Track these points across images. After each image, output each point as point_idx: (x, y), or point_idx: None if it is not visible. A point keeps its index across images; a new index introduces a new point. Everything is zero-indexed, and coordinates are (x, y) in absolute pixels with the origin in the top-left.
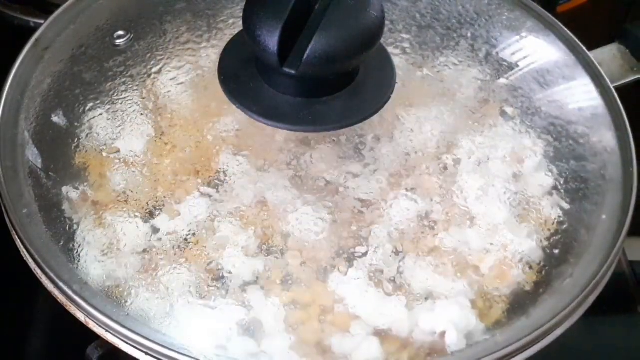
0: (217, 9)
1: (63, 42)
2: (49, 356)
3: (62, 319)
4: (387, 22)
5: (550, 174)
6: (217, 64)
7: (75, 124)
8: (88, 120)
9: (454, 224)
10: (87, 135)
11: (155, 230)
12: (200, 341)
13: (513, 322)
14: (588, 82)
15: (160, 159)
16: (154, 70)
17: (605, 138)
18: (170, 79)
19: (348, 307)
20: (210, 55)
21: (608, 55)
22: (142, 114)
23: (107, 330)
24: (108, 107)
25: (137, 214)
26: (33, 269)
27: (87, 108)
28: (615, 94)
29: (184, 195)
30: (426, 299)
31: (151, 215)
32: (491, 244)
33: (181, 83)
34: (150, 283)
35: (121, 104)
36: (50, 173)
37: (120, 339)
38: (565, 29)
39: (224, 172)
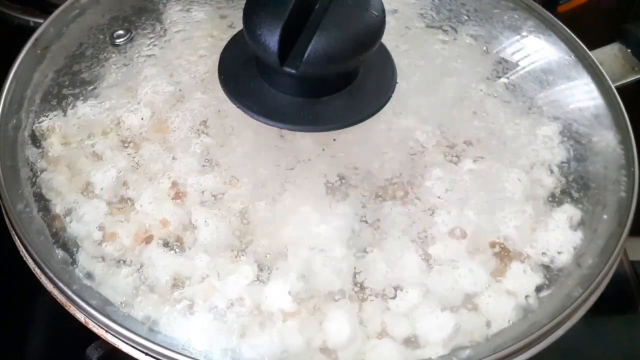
0: (218, 8)
1: (63, 42)
2: (49, 356)
3: (62, 319)
4: (387, 22)
5: (551, 173)
6: (217, 63)
7: (75, 123)
8: (88, 120)
9: (455, 224)
10: (87, 136)
11: (155, 231)
12: (200, 341)
13: (514, 323)
14: (589, 81)
15: (160, 158)
16: (153, 70)
17: (606, 138)
18: (170, 79)
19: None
20: (210, 55)
21: (609, 55)
22: (142, 114)
23: (107, 331)
24: (108, 106)
25: (137, 214)
26: (33, 269)
27: (87, 108)
28: (617, 94)
29: (183, 194)
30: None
31: (151, 215)
32: (491, 244)
33: (181, 82)
34: (150, 283)
35: (121, 104)
36: (49, 172)
37: (120, 340)
38: (566, 29)
39: (224, 171)
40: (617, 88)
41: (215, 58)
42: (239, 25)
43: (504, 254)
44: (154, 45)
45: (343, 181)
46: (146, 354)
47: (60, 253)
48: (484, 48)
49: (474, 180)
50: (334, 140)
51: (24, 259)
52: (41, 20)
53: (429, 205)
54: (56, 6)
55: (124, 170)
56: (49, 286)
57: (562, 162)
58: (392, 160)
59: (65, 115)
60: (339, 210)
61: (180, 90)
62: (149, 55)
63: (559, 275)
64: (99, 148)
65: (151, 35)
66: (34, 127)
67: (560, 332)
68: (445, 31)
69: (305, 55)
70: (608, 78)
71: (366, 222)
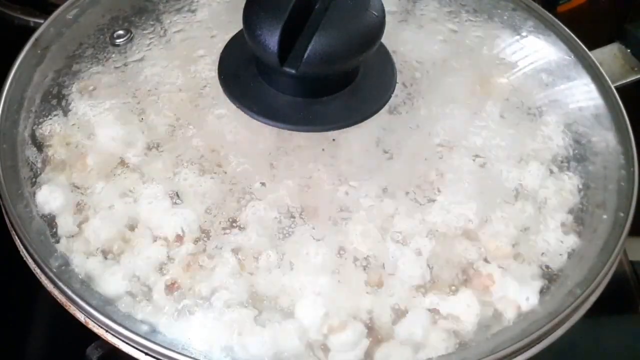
0: (218, 8)
1: (63, 42)
2: (49, 356)
3: (62, 319)
4: (387, 23)
5: (550, 173)
6: (217, 63)
7: (75, 123)
8: (88, 120)
9: (454, 225)
10: (87, 136)
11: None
12: (200, 341)
13: (514, 323)
14: (589, 81)
15: (160, 159)
16: (153, 69)
17: (606, 138)
18: (170, 78)
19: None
20: (210, 55)
21: (609, 55)
22: (142, 114)
23: (107, 331)
24: (108, 106)
25: (137, 215)
26: (33, 269)
27: (87, 108)
28: (616, 94)
29: (184, 196)
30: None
31: (151, 216)
32: (491, 244)
33: (181, 82)
34: (150, 283)
35: (121, 104)
36: (49, 172)
37: (120, 339)
38: (566, 29)
39: (224, 172)
40: (617, 88)
41: (215, 58)
42: (239, 25)
43: (503, 254)
44: (154, 45)
45: (343, 181)
46: (146, 353)
47: (60, 253)
48: (484, 48)
49: (473, 180)
50: (334, 140)
51: (24, 259)
52: (41, 20)
53: (429, 205)
54: (56, 6)
55: (123, 170)
56: (49, 286)
57: (562, 162)
58: (392, 160)
59: (65, 115)
60: (340, 209)
61: (180, 90)
62: (149, 56)
63: (559, 275)
64: (98, 148)
65: (151, 36)
66: (34, 127)
67: (560, 332)
68: (445, 31)
69: (305, 55)
70: (608, 78)
71: (366, 221)
